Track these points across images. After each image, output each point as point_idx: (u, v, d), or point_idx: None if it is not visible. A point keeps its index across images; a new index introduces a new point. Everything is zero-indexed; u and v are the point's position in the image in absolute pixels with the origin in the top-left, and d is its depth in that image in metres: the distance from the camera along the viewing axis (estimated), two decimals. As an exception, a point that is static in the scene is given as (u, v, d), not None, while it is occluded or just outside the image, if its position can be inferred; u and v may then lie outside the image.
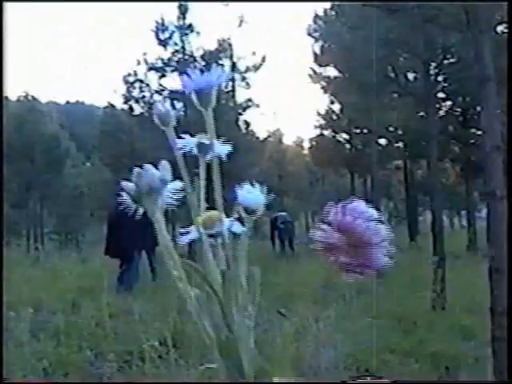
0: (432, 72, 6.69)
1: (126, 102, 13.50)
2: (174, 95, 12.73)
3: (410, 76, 8.57)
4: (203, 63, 13.76)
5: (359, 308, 5.47)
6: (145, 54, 13.06)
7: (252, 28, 50.39)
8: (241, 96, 18.26)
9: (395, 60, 7.25)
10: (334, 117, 17.69)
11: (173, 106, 0.62)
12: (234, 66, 16.86)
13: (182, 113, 12.31)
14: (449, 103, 15.41)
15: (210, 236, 0.65)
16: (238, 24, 16.25)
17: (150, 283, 7.46)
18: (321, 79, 16.83)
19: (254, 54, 17.81)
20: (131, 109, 13.43)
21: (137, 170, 0.54)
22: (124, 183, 0.54)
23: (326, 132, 18.63)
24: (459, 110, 15.87)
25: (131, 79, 13.19)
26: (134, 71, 13.12)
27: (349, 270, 0.55)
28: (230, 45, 16.96)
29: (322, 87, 16.94)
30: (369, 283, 7.75)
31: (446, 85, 10.84)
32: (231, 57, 17.02)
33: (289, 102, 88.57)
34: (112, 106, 26.20)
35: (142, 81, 12.92)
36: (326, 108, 18.04)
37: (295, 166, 30.66)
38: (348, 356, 3.60)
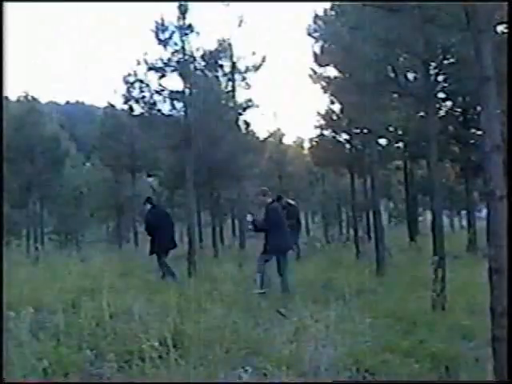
0: (432, 72, 6.68)
1: (126, 102, 13.46)
2: (174, 95, 12.72)
3: (410, 76, 8.56)
4: (203, 63, 13.75)
5: (359, 308, 5.47)
6: (145, 54, 13.05)
7: (252, 28, 50.43)
8: (241, 96, 18.28)
9: (395, 60, 7.23)
10: (334, 117, 17.66)
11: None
12: (233, 66, 16.87)
13: (182, 113, 12.31)
14: (449, 103, 15.41)
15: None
16: (238, 24, 16.26)
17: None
18: (321, 79, 16.82)
19: (254, 53, 17.83)
20: (131, 109, 13.40)
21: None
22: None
23: (326, 132, 18.60)
24: (459, 110, 15.86)
25: (131, 79, 13.15)
26: (134, 71, 13.11)
27: None
28: (229, 45, 16.98)
29: (322, 87, 16.92)
30: (369, 283, 7.76)
31: (446, 85, 10.83)
32: (231, 57, 17.04)
33: (289, 102, 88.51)
34: (112, 106, 26.21)
35: (142, 81, 12.90)
36: (325, 108, 18.03)
37: (295, 166, 30.63)
38: (348, 356, 3.60)
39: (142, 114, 13.05)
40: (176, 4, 12.37)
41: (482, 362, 3.26)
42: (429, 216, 8.08)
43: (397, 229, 28.81)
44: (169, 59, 12.40)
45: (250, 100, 18.51)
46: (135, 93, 12.92)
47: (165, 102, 12.71)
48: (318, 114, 18.36)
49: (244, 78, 17.56)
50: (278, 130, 31.08)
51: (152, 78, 12.71)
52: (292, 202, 12.85)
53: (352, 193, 17.95)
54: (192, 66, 12.72)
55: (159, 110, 12.79)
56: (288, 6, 78.07)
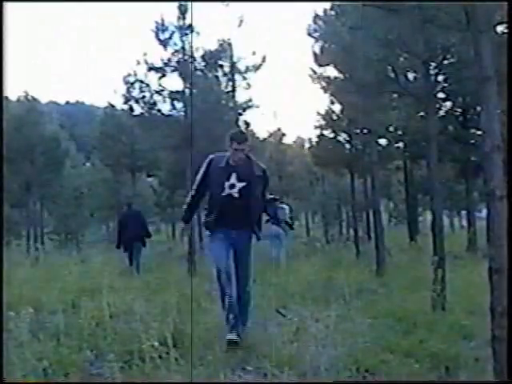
0: (432, 72, 6.68)
1: (126, 102, 13.48)
2: (174, 95, 12.72)
3: (410, 76, 8.56)
4: (203, 63, 13.76)
5: (359, 308, 5.47)
6: (145, 54, 13.06)
7: (252, 28, 50.41)
8: (241, 96, 18.26)
9: (395, 60, 7.23)
10: (334, 117, 17.68)
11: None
12: (233, 66, 16.87)
13: (182, 113, 12.32)
14: (449, 103, 15.42)
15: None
16: (238, 24, 16.24)
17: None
18: (321, 79, 16.82)
19: (254, 53, 17.81)
20: (131, 109, 13.42)
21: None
22: None
23: (326, 132, 18.61)
24: (459, 110, 15.88)
25: (131, 79, 13.17)
26: (134, 71, 13.12)
27: None
28: (229, 45, 16.96)
29: (322, 87, 16.92)
30: (369, 283, 7.77)
31: (445, 85, 10.85)
32: (231, 57, 17.02)
33: (289, 102, 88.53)
34: (112, 106, 26.22)
35: (142, 81, 12.91)
36: (326, 108, 18.04)
37: (295, 166, 30.65)
38: (348, 356, 3.60)
39: (142, 114, 13.07)
40: (176, 4, 12.38)
41: (482, 362, 3.26)
42: (429, 216, 8.09)
43: (397, 229, 28.82)
44: (169, 59, 12.42)
45: (250, 100, 18.49)
46: (135, 93, 12.94)
47: (165, 102, 12.72)
48: (318, 113, 18.38)
49: (244, 78, 17.55)
50: (278, 130, 31.14)
51: (152, 78, 12.73)
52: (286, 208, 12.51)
53: (352, 193, 17.97)
54: (192, 66, 12.73)
55: (159, 110, 12.80)
56: (288, 6, 78.14)
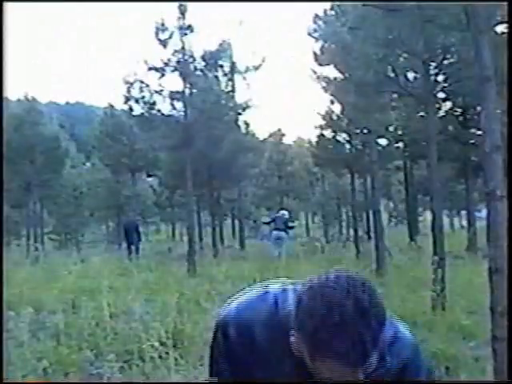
0: (432, 72, 6.67)
1: (125, 102, 13.46)
2: (173, 95, 12.71)
3: (410, 76, 8.55)
4: (203, 63, 13.75)
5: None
6: (145, 54, 13.06)
7: (252, 28, 50.38)
8: (241, 96, 18.24)
9: (395, 60, 7.23)
10: (334, 117, 17.67)
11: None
12: (233, 66, 16.85)
13: (181, 113, 12.30)
14: (449, 103, 15.41)
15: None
16: (238, 24, 16.21)
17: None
18: (321, 79, 16.81)
19: (254, 53, 17.80)
20: (131, 109, 13.40)
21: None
22: None
23: (325, 132, 18.61)
24: (459, 110, 15.87)
25: (131, 79, 13.16)
26: (134, 71, 13.10)
27: None
28: (229, 45, 16.94)
29: (322, 87, 16.91)
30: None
31: (445, 85, 10.82)
32: (231, 57, 17.00)
33: (289, 102, 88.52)
34: (112, 106, 26.21)
35: (142, 81, 12.90)
36: (325, 108, 18.03)
37: (295, 166, 30.65)
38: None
39: (142, 114, 13.05)
40: (176, 4, 12.37)
41: (482, 362, 3.26)
42: (429, 216, 8.09)
43: (397, 229, 28.81)
44: (169, 59, 12.40)
45: (249, 100, 18.48)
46: (135, 93, 12.91)
47: (164, 102, 12.71)
48: (318, 114, 18.37)
49: (244, 78, 17.54)
50: (278, 130, 31.14)
51: (152, 78, 12.71)
52: (286, 215, 14.18)
53: (352, 193, 17.96)
54: (192, 66, 12.72)
55: (159, 110, 12.79)
56: (288, 6, 78.12)
